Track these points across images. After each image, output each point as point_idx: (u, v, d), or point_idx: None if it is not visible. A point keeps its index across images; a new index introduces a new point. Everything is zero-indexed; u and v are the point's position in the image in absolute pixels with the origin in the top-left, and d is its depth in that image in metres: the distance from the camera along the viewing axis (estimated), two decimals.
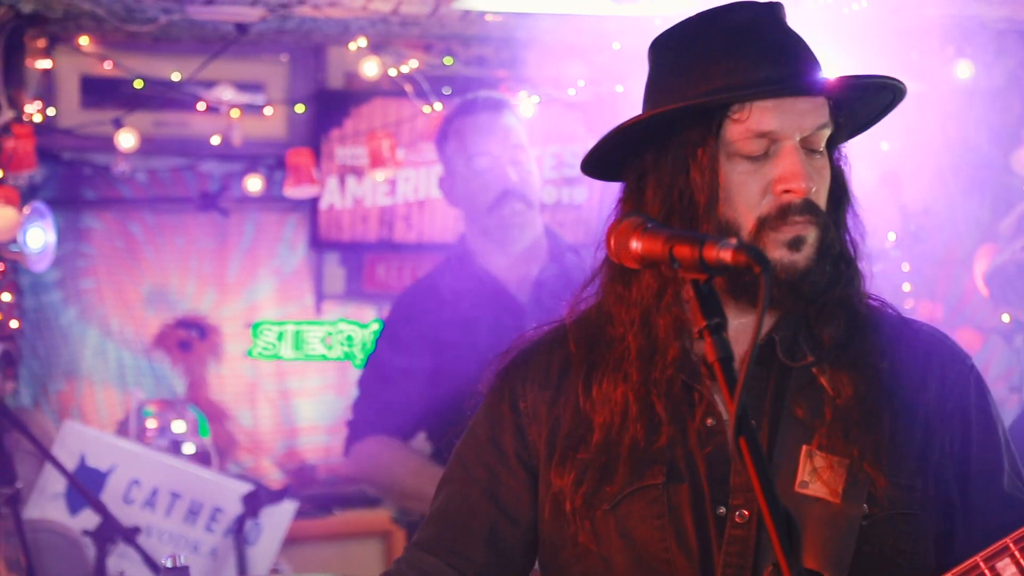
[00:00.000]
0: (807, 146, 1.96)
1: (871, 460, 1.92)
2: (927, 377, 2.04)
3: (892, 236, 6.14)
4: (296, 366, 6.77)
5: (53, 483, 5.39)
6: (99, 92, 6.26)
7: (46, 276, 6.38)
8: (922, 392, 2.02)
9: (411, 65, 5.94)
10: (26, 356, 6.40)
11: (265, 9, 5.36)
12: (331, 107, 6.53)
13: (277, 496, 5.60)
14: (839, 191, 2.05)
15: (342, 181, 6.59)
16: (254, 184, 6.36)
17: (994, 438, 2.07)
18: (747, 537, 1.91)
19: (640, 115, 1.99)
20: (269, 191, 6.51)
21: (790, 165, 1.92)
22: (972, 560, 1.79)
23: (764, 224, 1.93)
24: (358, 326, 6.68)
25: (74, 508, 5.39)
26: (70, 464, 5.39)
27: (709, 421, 1.96)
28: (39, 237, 5.39)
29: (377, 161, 6.03)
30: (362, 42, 5.78)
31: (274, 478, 6.63)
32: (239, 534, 5.46)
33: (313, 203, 6.58)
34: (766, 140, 1.93)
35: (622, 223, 1.86)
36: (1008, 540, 1.77)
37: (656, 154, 1.99)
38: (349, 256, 6.85)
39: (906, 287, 6.17)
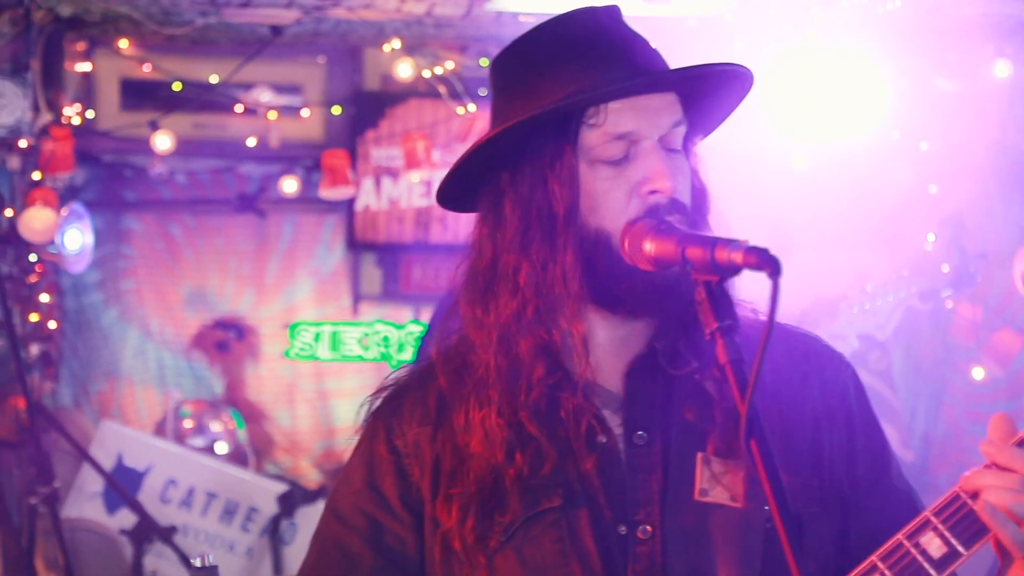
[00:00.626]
0: (665, 145, 1.88)
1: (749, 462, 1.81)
2: (808, 377, 1.97)
3: (932, 237, 6.08)
4: (334, 367, 6.80)
5: (91, 483, 5.45)
6: (138, 94, 6.32)
7: (87, 277, 6.45)
8: (806, 392, 1.96)
9: (446, 67, 5.95)
10: (67, 356, 6.47)
11: (300, 11, 5.39)
12: (367, 109, 6.56)
13: (312, 496, 5.63)
14: (697, 190, 1.95)
15: (378, 182, 6.62)
16: (290, 185, 6.39)
17: (878, 433, 2.01)
18: (653, 552, 1.84)
19: (488, 133, 1.90)
20: (306, 192, 6.55)
21: (653, 164, 1.84)
22: (894, 539, 1.70)
23: None
24: (394, 327, 6.70)
25: (112, 507, 5.45)
26: (108, 464, 5.45)
27: (601, 438, 1.88)
28: (76, 238, 5.44)
29: (412, 162, 6.05)
30: (396, 44, 5.80)
31: (312, 478, 6.67)
32: (275, 534, 5.50)
33: (350, 204, 6.60)
34: (625, 142, 1.86)
35: (636, 225, 1.84)
36: (928, 514, 1.69)
37: (512, 172, 1.90)
38: (386, 257, 6.87)
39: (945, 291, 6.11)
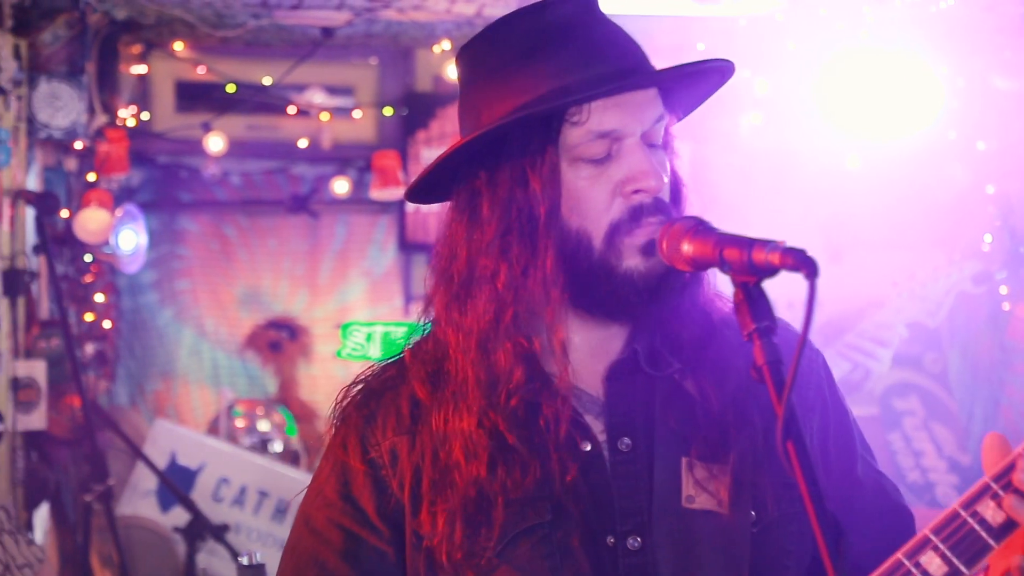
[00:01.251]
0: (648, 141, 1.81)
1: (751, 462, 1.79)
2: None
3: (988, 238, 6.01)
4: None
5: (145, 481, 5.50)
6: (193, 96, 6.38)
7: (143, 277, 6.52)
8: None
9: None
10: (123, 356, 6.55)
11: (350, 13, 5.41)
12: (418, 110, 6.58)
13: None
14: (674, 184, 1.89)
15: None
16: (341, 187, 6.43)
17: (848, 426, 1.98)
18: (644, 564, 1.78)
19: (472, 134, 1.81)
20: (358, 193, 6.59)
21: (638, 163, 1.78)
22: (894, 559, 1.64)
23: (617, 229, 1.78)
24: None
25: (165, 505, 5.50)
26: (161, 462, 5.50)
27: (584, 445, 1.83)
28: (131, 239, 5.50)
29: None
30: (446, 45, 5.81)
31: None
32: None
33: (401, 205, 6.63)
34: (608, 140, 1.78)
35: (675, 226, 1.76)
36: (927, 532, 1.63)
37: (489, 170, 1.82)
38: None
39: (1003, 290, 6.04)
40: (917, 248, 6.20)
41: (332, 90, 6.46)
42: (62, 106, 5.12)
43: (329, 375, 6.89)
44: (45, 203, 5.01)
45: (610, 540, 1.80)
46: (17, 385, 4.96)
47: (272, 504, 5.57)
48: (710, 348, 1.85)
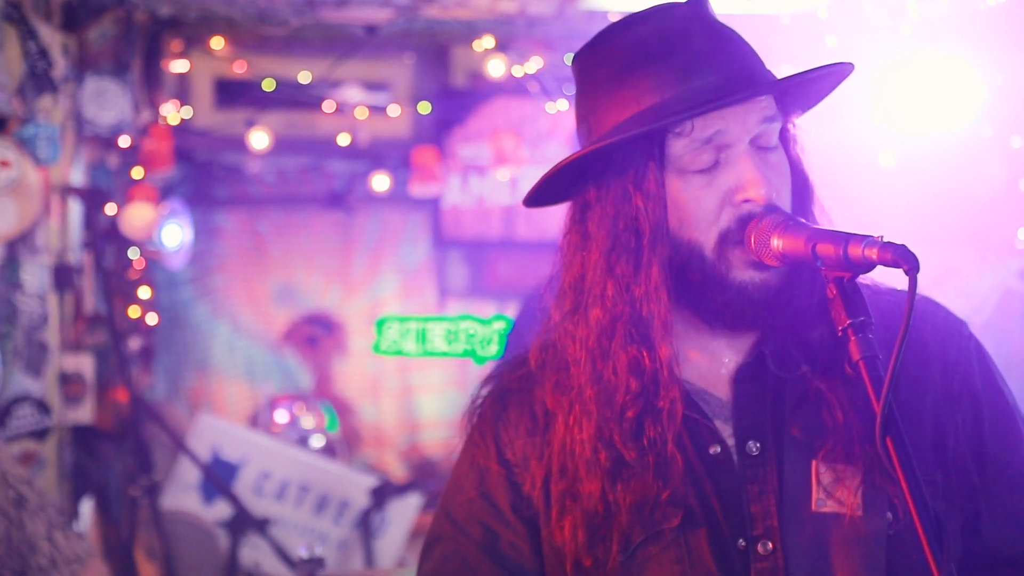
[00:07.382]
0: (759, 144, 1.78)
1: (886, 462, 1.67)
2: (928, 359, 1.86)
3: (1023, 234, 6.01)
4: (419, 362, 6.84)
5: (188, 474, 5.54)
6: (231, 93, 6.40)
7: (179, 273, 6.55)
8: (926, 376, 1.85)
9: (536, 63, 5.97)
10: (161, 351, 6.58)
11: (394, 10, 5.43)
12: (454, 106, 6.61)
13: (402, 490, 5.69)
14: (800, 182, 1.85)
15: (464, 179, 6.66)
16: (381, 183, 6.45)
17: (1005, 409, 1.89)
18: (775, 569, 1.77)
19: (572, 156, 1.81)
20: (392, 189, 6.61)
21: (745, 171, 1.75)
22: None
23: (726, 239, 1.76)
24: (480, 323, 6.74)
25: (208, 499, 5.54)
26: (204, 456, 5.53)
27: (713, 449, 1.82)
28: (176, 235, 5.53)
29: (501, 158, 6.09)
30: (488, 42, 5.83)
31: (397, 472, 6.73)
32: (366, 527, 5.56)
33: (435, 201, 6.66)
34: (713, 147, 1.76)
35: (763, 221, 1.73)
36: None
37: (598, 185, 1.82)
38: (472, 253, 6.92)
39: None
40: (952, 245, 6.20)
41: (368, 86, 6.47)
42: (108, 103, 5.16)
43: (362, 370, 6.92)
44: (93, 199, 5.06)
45: (741, 543, 1.79)
46: (65, 379, 5.00)
47: (313, 498, 5.61)
48: (841, 347, 1.76)
